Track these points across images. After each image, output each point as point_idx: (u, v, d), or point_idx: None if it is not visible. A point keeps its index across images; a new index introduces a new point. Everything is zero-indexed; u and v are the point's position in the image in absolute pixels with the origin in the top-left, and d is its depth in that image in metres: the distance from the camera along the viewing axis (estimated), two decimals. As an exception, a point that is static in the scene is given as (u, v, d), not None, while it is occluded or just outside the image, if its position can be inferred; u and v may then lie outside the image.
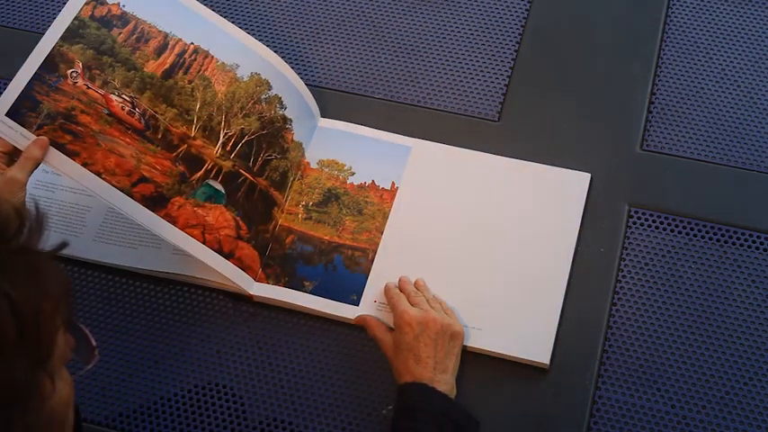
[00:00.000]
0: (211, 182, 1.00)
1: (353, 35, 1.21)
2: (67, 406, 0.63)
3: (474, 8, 1.22)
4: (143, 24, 1.01)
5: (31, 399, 0.57)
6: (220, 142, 1.01)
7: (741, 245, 1.01)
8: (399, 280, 0.99)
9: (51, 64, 0.95)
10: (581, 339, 0.97)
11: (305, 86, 1.11)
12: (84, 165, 0.93)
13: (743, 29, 1.18)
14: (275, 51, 1.19)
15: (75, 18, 0.97)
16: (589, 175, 1.06)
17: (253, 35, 1.20)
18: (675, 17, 1.19)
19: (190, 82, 1.02)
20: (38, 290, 0.57)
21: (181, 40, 1.03)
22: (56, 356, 0.60)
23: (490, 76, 1.16)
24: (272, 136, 1.06)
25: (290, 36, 1.21)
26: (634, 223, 1.04)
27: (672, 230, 1.03)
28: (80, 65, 0.96)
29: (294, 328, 1.00)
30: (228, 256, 0.99)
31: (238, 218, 1.01)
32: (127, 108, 0.96)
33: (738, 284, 0.99)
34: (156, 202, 0.96)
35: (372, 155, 1.10)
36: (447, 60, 1.18)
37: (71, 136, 0.93)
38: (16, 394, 0.56)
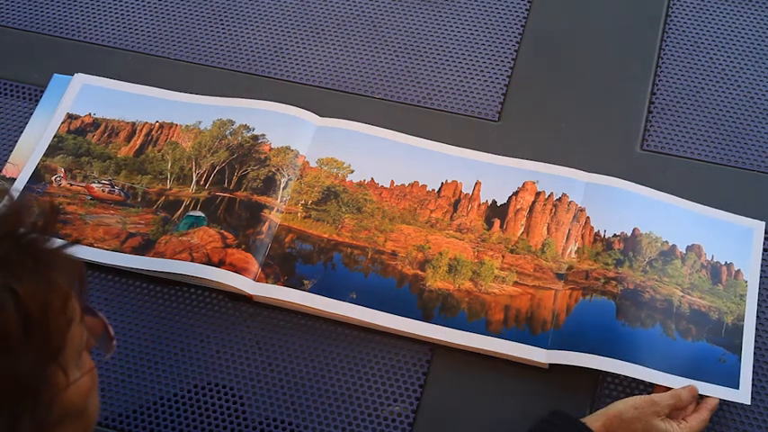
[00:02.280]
0: (191, 212, 1.07)
1: (353, 35, 1.21)
2: (86, 396, 0.62)
3: (474, 8, 1.22)
4: (112, 123, 1.15)
5: (40, 394, 0.57)
6: (194, 181, 1.10)
7: (741, 245, 1.01)
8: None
9: (38, 176, 1.11)
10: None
11: (278, 104, 1.13)
12: (77, 242, 1.05)
13: (743, 28, 1.17)
14: (274, 51, 1.19)
15: (55, 136, 1.13)
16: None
17: (252, 35, 1.21)
18: (675, 16, 1.19)
19: (159, 150, 1.13)
20: (47, 284, 0.57)
21: (147, 123, 1.14)
22: (70, 348, 0.59)
23: (490, 76, 1.16)
24: (243, 156, 1.11)
25: (289, 36, 1.21)
26: (634, 223, 1.03)
27: (672, 230, 1.02)
28: (62, 170, 1.11)
29: (294, 328, 1.00)
30: (219, 264, 1.01)
31: (223, 230, 1.05)
32: (107, 189, 1.09)
33: (739, 284, 0.99)
34: (145, 247, 1.04)
35: (372, 153, 1.10)
36: (447, 60, 1.18)
37: (61, 224, 1.06)
38: (22, 391, 0.56)
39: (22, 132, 1.14)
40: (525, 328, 0.97)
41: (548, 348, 0.95)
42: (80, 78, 1.18)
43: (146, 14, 1.24)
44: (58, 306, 0.58)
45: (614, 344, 0.94)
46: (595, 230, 1.02)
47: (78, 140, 1.14)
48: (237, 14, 1.24)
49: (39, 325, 0.56)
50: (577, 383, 0.94)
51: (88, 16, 1.25)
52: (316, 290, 1.00)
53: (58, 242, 0.60)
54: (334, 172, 1.09)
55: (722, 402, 0.92)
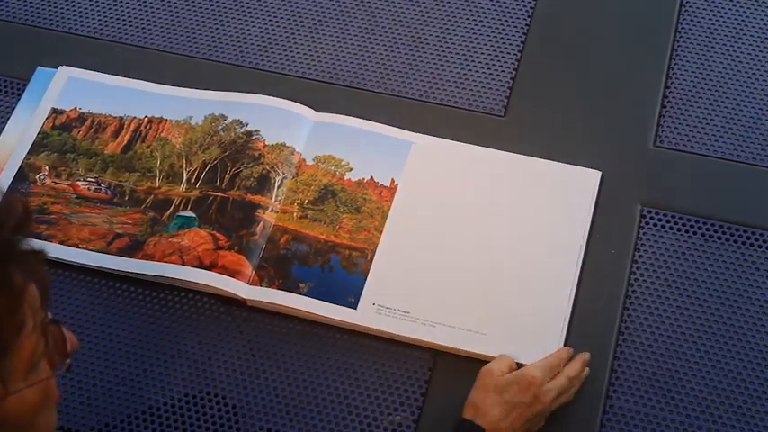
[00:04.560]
0: (181, 212, 1.06)
1: (352, 26, 1.20)
2: (33, 411, 0.61)
3: (478, -2, 1.22)
4: (99, 117, 1.13)
5: None
6: (184, 179, 1.08)
7: (759, 246, 1.01)
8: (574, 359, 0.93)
9: (21, 175, 1.09)
10: (590, 346, 0.96)
11: (273, 98, 1.12)
12: (62, 243, 1.04)
13: (760, 20, 1.17)
14: (269, 42, 1.19)
15: (39, 132, 1.12)
16: (599, 172, 1.05)
17: (246, 26, 1.21)
18: (690, 8, 1.18)
19: (148, 147, 1.11)
20: None
21: (135, 117, 1.13)
22: (17, 357, 0.58)
23: (496, 69, 1.15)
24: (235, 153, 1.10)
25: (285, 26, 1.20)
26: (647, 223, 1.03)
27: (686, 231, 1.02)
28: (46, 168, 1.09)
29: (289, 334, 0.99)
30: (211, 267, 1.01)
31: (214, 231, 1.04)
32: (93, 187, 1.08)
33: (756, 287, 0.98)
34: (133, 248, 1.04)
35: (371, 150, 1.09)
36: (450, 52, 1.17)
37: (45, 225, 1.05)
38: None
39: (3, 128, 1.14)
40: None
41: None
42: (65, 71, 1.17)
43: (134, 4, 1.24)
44: (4, 309, 0.57)
45: None
46: None
47: (63, 136, 1.13)
48: (230, 4, 1.23)
49: None
50: (587, 392, 0.93)
51: (73, 5, 1.24)
52: (312, 293, 1.00)
53: (26, 245, 0.60)
54: (332, 170, 1.08)
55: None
